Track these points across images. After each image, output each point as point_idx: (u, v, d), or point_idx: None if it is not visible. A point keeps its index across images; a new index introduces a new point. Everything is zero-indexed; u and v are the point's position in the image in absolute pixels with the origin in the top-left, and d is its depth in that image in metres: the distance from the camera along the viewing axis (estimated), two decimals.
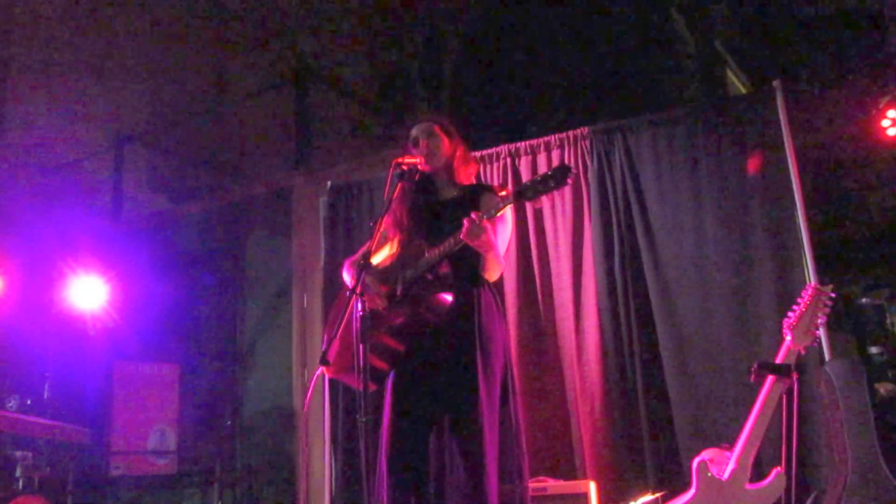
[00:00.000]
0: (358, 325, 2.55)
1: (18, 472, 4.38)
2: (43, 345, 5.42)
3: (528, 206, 4.08)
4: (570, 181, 2.65)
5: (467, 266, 2.92)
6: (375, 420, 2.81)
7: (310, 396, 3.13)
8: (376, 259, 3.00)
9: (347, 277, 3.07)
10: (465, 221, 2.72)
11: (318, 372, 2.57)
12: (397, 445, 2.87)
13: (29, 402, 4.92)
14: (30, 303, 5.40)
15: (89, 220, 6.21)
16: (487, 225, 2.75)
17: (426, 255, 2.88)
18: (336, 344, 2.74)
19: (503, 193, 2.81)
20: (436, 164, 3.07)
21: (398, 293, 2.89)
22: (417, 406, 2.89)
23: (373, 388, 2.84)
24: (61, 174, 6.73)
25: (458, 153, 3.11)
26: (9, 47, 6.50)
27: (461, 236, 2.73)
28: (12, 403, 4.87)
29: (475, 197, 3.01)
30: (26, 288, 5.39)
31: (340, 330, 2.64)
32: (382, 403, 2.95)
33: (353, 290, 2.62)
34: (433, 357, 2.88)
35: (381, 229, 2.93)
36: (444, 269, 2.86)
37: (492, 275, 2.97)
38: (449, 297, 2.82)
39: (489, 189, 3.19)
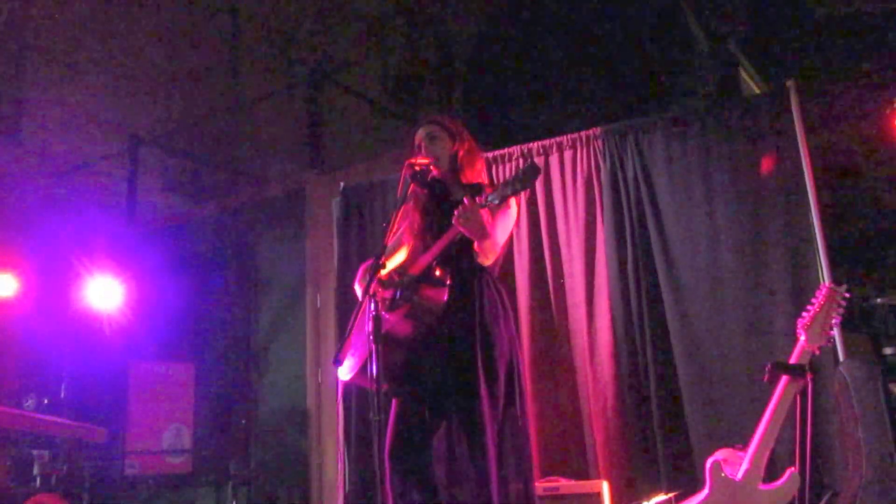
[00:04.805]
0: (370, 326, 2.56)
1: (36, 471, 4.44)
2: (60, 345, 5.48)
3: (540, 205, 4.09)
4: (535, 182, 2.69)
5: (467, 263, 2.90)
6: (388, 419, 2.83)
7: (317, 398, 3.14)
8: (392, 263, 2.99)
9: (357, 287, 3.05)
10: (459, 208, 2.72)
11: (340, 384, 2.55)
12: (400, 442, 2.86)
13: (46, 402, 4.98)
14: (46, 304, 5.46)
15: (104, 222, 6.26)
16: (484, 212, 2.74)
17: (422, 256, 2.88)
18: (349, 348, 2.75)
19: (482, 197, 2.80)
20: (442, 166, 3.05)
21: (397, 297, 2.87)
22: (421, 404, 2.89)
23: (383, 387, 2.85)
24: (76, 176, 6.78)
25: (462, 152, 3.06)
26: (24, 50, 6.57)
27: (454, 221, 2.74)
28: (30, 403, 4.93)
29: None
30: (43, 289, 5.45)
31: (352, 334, 2.64)
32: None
33: (365, 291, 2.63)
34: (436, 355, 2.86)
35: (397, 232, 2.92)
36: (439, 269, 2.85)
37: (484, 258, 2.92)
38: (444, 296, 2.80)
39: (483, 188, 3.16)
